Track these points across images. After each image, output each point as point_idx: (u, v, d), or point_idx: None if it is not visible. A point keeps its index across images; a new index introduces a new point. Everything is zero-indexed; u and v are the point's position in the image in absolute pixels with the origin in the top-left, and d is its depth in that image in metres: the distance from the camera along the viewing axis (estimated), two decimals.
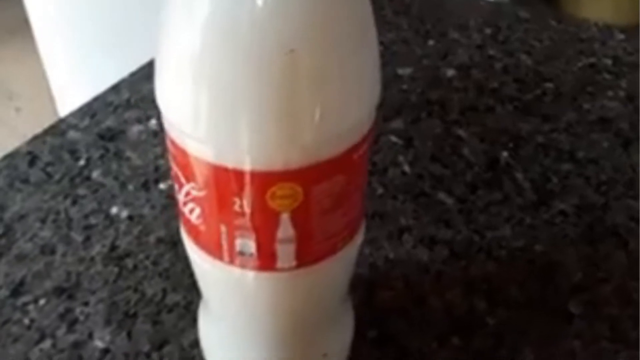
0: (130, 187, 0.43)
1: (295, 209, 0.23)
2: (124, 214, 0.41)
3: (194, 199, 0.24)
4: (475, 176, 0.43)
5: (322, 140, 0.22)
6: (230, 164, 0.22)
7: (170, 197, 0.42)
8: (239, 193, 0.23)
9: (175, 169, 0.25)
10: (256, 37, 0.20)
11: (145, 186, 0.43)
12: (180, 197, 0.25)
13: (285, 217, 0.23)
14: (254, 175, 0.22)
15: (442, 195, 0.42)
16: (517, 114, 0.49)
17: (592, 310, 0.35)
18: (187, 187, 0.24)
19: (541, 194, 0.42)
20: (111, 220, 0.41)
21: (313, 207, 0.23)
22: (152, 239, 0.39)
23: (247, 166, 0.22)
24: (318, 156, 0.22)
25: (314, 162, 0.22)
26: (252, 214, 0.23)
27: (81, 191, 0.43)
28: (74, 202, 0.42)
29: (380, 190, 0.42)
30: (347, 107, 0.22)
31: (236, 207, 0.23)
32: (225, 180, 0.23)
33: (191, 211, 0.25)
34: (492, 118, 0.49)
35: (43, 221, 0.41)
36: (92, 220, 0.41)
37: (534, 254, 0.38)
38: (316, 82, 0.21)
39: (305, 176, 0.22)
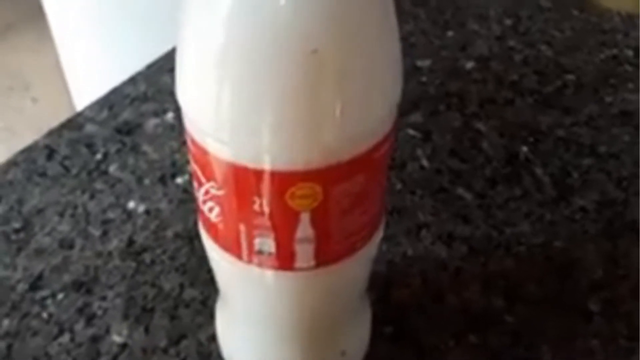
0: (147, 181, 0.43)
1: (315, 208, 0.23)
2: (141, 208, 0.41)
3: (213, 198, 0.24)
4: (494, 171, 0.43)
5: (343, 140, 0.21)
6: (250, 163, 0.22)
7: (187, 192, 0.42)
8: (259, 192, 0.23)
9: (194, 167, 0.25)
10: (278, 37, 0.20)
11: (162, 180, 0.44)
12: (200, 196, 0.25)
13: (304, 217, 0.23)
14: (274, 174, 0.22)
15: (460, 191, 0.42)
16: (537, 106, 0.48)
17: (611, 308, 0.34)
18: (206, 186, 0.24)
19: (561, 190, 0.41)
20: (128, 214, 0.41)
21: (333, 207, 0.23)
22: (169, 233, 0.39)
23: (267, 166, 0.22)
24: (339, 156, 0.22)
25: (334, 162, 0.22)
26: (272, 213, 0.23)
27: (99, 185, 0.43)
28: (92, 197, 0.42)
29: (398, 186, 0.42)
30: (368, 107, 0.22)
31: (255, 207, 0.23)
32: (245, 180, 0.22)
33: (210, 210, 0.25)
34: (512, 111, 0.48)
35: (61, 215, 0.41)
36: (110, 215, 0.41)
37: (553, 251, 0.38)
38: (338, 82, 0.20)
39: (326, 176, 0.22)
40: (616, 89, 0.49)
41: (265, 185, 0.22)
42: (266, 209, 0.23)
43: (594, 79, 0.50)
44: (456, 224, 0.39)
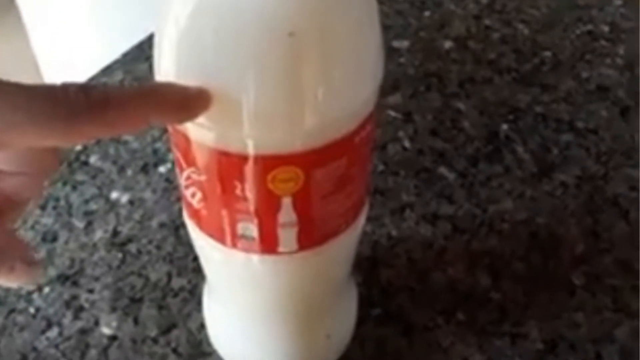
0: (130, 171, 0.43)
1: (297, 192, 0.23)
2: (125, 198, 0.41)
3: (195, 183, 0.24)
4: (476, 150, 0.43)
5: (324, 123, 0.21)
6: (231, 148, 0.22)
7: (169, 181, 0.42)
8: (240, 177, 0.22)
9: (176, 153, 0.24)
10: (256, 20, 0.19)
11: (145, 170, 0.43)
12: (182, 181, 0.25)
13: (286, 201, 0.23)
14: (255, 159, 0.22)
15: (443, 170, 0.42)
16: (515, 84, 0.49)
17: (594, 282, 0.35)
18: (188, 171, 0.24)
19: (542, 166, 0.42)
20: (112, 205, 0.41)
21: (314, 191, 0.23)
22: (154, 223, 0.39)
23: (248, 150, 0.22)
24: (320, 140, 0.22)
25: (315, 146, 0.22)
26: (254, 198, 0.23)
27: (80, 177, 0.43)
28: (74, 188, 0.42)
29: (381, 167, 0.42)
30: (349, 90, 0.21)
31: (237, 191, 0.23)
32: (226, 165, 0.22)
33: (193, 195, 0.25)
34: (491, 90, 0.48)
35: (43, 208, 0.41)
36: (93, 206, 0.41)
37: (536, 227, 0.38)
38: (317, 65, 0.20)
39: (307, 160, 0.22)
40: (592, 65, 0.50)
41: (247, 170, 0.22)
42: (248, 194, 0.23)
43: (570, 55, 0.51)
44: (440, 204, 0.40)
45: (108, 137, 0.18)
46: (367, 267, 0.36)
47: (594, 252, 0.37)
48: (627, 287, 0.35)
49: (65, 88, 0.17)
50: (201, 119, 0.22)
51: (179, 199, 0.41)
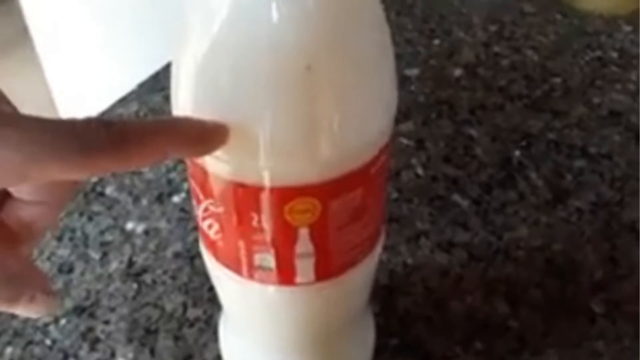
0: (145, 201, 0.44)
1: (314, 223, 0.23)
2: (140, 228, 0.41)
3: (212, 215, 0.24)
4: (489, 176, 0.43)
5: (339, 155, 0.22)
6: (248, 180, 0.22)
7: (184, 210, 0.42)
8: (257, 209, 0.23)
9: (193, 185, 0.25)
10: (273, 54, 0.20)
11: (160, 200, 0.44)
12: (199, 213, 0.25)
13: (303, 232, 0.23)
14: (272, 191, 0.22)
15: (457, 197, 0.42)
16: (527, 111, 0.49)
17: (614, 309, 0.34)
18: (205, 203, 0.24)
19: (556, 192, 0.42)
20: (127, 235, 0.41)
21: (331, 222, 0.23)
22: (169, 253, 0.39)
23: (265, 182, 0.22)
24: (336, 171, 0.22)
25: (332, 177, 0.22)
26: (271, 229, 0.23)
27: (96, 207, 0.43)
28: (90, 219, 0.42)
29: (395, 195, 0.42)
30: (365, 121, 0.22)
31: (254, 223, 0.23)
32: (243, 196, 0.23)
33: (210, 227, 0.25)
34: (502, 116, 0.48)
35: (60, 239, 0.41)
36: (108, 237, 0.41)
37: (552, 253, 0.38)
38: (333, 98, 0.21)
39: (324, 191, 0.22)
40: (603, 90, 0.50)
41: (264, 202, 0.22)
42: (265, 225, 0.23)
43: (580, 81, 0.51)
44: (455, 231, 0.40)
45: (126, 170, 0.18)
46: (383, 296, 0.35)
47: (612, 279, 0.36)
48: None
49: (86, 123, 0.17)
50: (218, 152, 0.22)
51: (194, 228, 0.41)
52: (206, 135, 0.20)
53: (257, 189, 0.22)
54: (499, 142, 0.46)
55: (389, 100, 0.23)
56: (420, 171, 0.44)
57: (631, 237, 0.39)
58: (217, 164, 0.22)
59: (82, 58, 0.81)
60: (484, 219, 0.40)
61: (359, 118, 0.22)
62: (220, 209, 0.24)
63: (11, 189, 0.21)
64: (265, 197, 0.22)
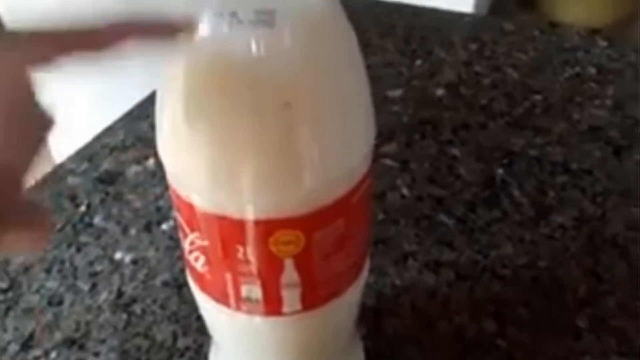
0: (133, 230, 0.44)
1: (298, 254, 0.23)
2: (128, 258, 0.42)
3: (198, 248, 0.25)
4: (474, 195, 0.44)
5: (321, 185, 0.22)
6: (232, 213, 0.22)
7: (172, 238, 0.43)
8: (242, 241, 0.23)
9: (179, 218, 0.25)
10: (253, 91, 0.20)
11: (148, 228, 0.44)
12: (185, 246, 0.26)
13: (288, 263, 0.23)
14: (256, 223, 0.22)
15: (442, 217, 0.43)
16: (508, 128, 0.50)
17: (599, 324, 0.35)
18: (191, 237, 0.25)
19: (539, 209, 0.42)
20: (116, 265, 0.41)
21: (316, 252, 0.23)
22: (157, 282, 0.40)
23: (249, 215, 0.22)
24: (318, 202, 0.22)
25: (314, 208, 0.22)
26: (256, 260, 0.23)
27: (84, 238, 0.43)
28: (78, 250, 0.42)
29: (381, 216, 0.43)
30: (344, 153, 0.22)
31: (240, 255, 0.23)
32: (228, 230, 0.23)
33: (196, 259, 0.25)
34: (485, 135, 0.49)
35: (48, 271, 0.41)
36: (97, 267, 0.41)
37: (537, 270, 0.39)
38: (312, 133, 0.21)
39: (307, 222, 0.22)
40: (582, 106, 0.51)
41: (249, 234, 0.23)
42: (251, 257, 0.23)
43: (560, 97, 0.52)
44: (441, 251, 0.40)
45: (93, 53, 0.18)
46: (372, 318, 0.36)
47: (596, 294, 0.37)
48: (631, 329, 0.35)
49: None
50: (203, 188, 0.22)
51: (181, 257, 0.41)
52: (173, 23, 0.20)
53: (241, 222, 0.22)
54: (482, 161, 0.47)
55: (366, 131, 0.24)
56: (405, 192, 0.45)
57: (613, 251, 0.39)
58: (201, 199, 0.23)
59: (67, 91, 0.81)
60: (469, 237, 0.41)
61: (338, 150, 0.22)
62: (206, 242, 0.24)
63: None
64: (249, 230, 0.23)
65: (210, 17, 0.20)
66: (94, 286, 0.40)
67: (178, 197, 0.24)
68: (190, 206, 0.23)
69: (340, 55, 0.22)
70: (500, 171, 0.46)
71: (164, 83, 0.22)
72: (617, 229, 0.41)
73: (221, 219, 0.23)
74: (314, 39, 0.21)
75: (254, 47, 0.20)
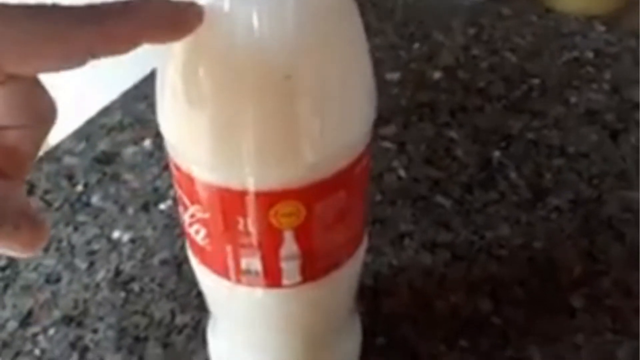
0: (130, 210, 0.44)
1: (298, 226, 0.23)
2: (126, 237, 0.42)
3: (198, 221, 0.25)
4: (470, 177, 0.44)
5: (322, 158, 0.22)
6: (233, 185, 0.23)
7: (170, 217, 0.43)
8: (243, 213, 0.23)
9: (179, 191, 0.25)
10: (254, 65, 0.20)
11: (145, 208, 0.44)
12: (185, 219, 0.26)
13: (288, 235, 0.24)
14: (257, 195, 0.23)
15: (439, 198, 0.43)
16: (506, 112, 0.50)
17: (593, 303, 0.35)
18: (191, 209, 0.25)
19: (535, 191, 0.43)
20: (114, 244, 0.41)
21: (316, 224, 0.23)
22: (155, 261, 0.40)
23: (250, 187, 0.22)
24: (319, 174, 0.22)
25: (315, 180, 0.22)
26: (256, 232, 0.23)
27: (82, 217, 0.43)
28: (76, 229, 0.42)
29: (378, 197, 0.43)
30: (346, 125, 0.22)
31: (240, 227, 0.24)
32: (229, 201, 0.23)
33: (197, 232, 0.25)
34: (482, 118, 0.49)
35: (46, 250, 0.41)
36: (95, 246, 0.41)
37: (533, 251, 0.39)
38: (314, 105, 0.21)
39: (307, 194, 0.23)
40: (579, 90, 0.51)
41: (249, 206, 0.23)
42: (251, 229, 0.23)
43: (558, 81, 0.52)
44: (438, 231, 0.40)
45: (104, 51, 0.16)
46: (369, 297, 0.36)
47: (591, 275, 0.37)
48: (626, 308, 0.35)
49: (59, 6, 0.17)
50: (204, 159, 0.22)
51: (180, 235, 0.41)
52: (180, 15, 0.19)
53: (242, 194, 0.23)
54: (479, 144, 0.47)
55: (368, 103, 0.24)
56: (402, 173, 0.45)
57: (609, 233, 0.40)
58: (202, 171, 0.23)
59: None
60: (466, 218, 0.41)
61: (339, 123, 0.22)
62: (207, 215, 0.24)
63: None
64: (250, 202, 0.23)
65: None
66: (91, 264, 0.40)
67: (178, 169, 0.24)
68: (190, 178, 0.23)
69: (343, 29, 0.22)
70: (497, 154, 0.46)
71: (164, 56, 0.22)
72: (612, 211, 0.41)
73: (222, 191, 0.23)
74: (317, 13, 0.21)
75: (255, 21, 0.20)
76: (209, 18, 0.20)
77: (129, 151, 0.49)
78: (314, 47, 0.21)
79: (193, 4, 0.19)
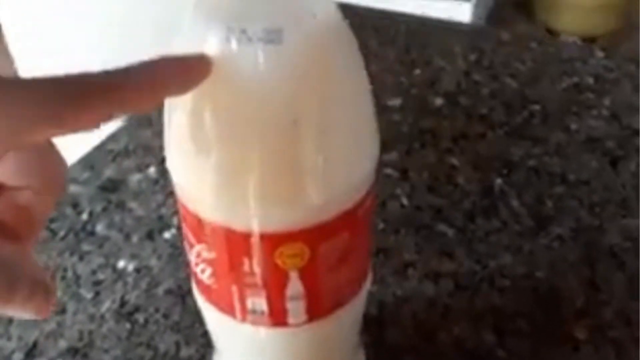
0: (135, 238, 0.44)
1: (304, 266, 0.24)
2: (131, 266, 0.42)
3: (204, 260, 0.25)
4: (473, 205, 0.44)
5: (326, 201, 0.22)
6: (238, 227, 0.23)
7: (175, 246, 0.43)
8: (248, 254, 0.24)
9: (185, 230, 0.25)
10: (261, 109, 0.21)
11: (150, 236, 0.44)
12: (192, 258, 0.26)
13: (294, 275, 0.24)
14: (262, 236, 0.23)
15: (442, 227, 0.43)
16: (507, 138, 0.50)
17: (597, 335, 0.35)
18: (197, 248, 0.25)
19: (537, 219, 0.43)
20: (119, 274, 0.41)
21: (320, 264, 0.24)
22: (160, 291, 0.40)
23: (255, 228, 0.23)
24: (323, 216, 0.23)
25: (319, 222, 0.23)
26: (262, 273, 0.24)
27: (87, 246, 0.44)
28: (81, 258, 0.43)
29: (381, 225, 0.43)
30: (349, 169, 0.23)
31: (246, 267, 0.24)
32: (234, 242, 0.23)
33: (202, 271, 0.26)
34: (484, 144, 0.50)
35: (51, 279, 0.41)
36: (100, 276, 0.41)
37: (536, 281, 0.39)
38: (319, 149, 0.22)
39: (312, 236, 0.23)
40: (580, 116, 0.51)
41: (254, 247, 0.23)
42: (257, 270, 0.24)
43: (558, 107, 0.53)
44: (441, 261, 0.41)
45: (121, 113, 0.17)
46: (373, 328, 0.36)
47: (594, 305, 0.37)
48: (629, 339, 0.35)
49: (67, 75, 0.17)
50: (210, 201, 0.23)
51: (185, 264, 0.41)
52: (192, 69, 0.20)
53: (247, 235, 0.23)
54: (481, 171, 0.47)
55: (371, 146, 0.24)
56: (405, 201, 0.45)
57: (611, 262, 0.40)
58: (208, 212, 0.23)
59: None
60: (468, 247, 0.41)
61: (343, 166, 0.23)
62: (213, 254, 0.24)
63: (1, 176, 0.20)
64: (255, 243, 0.23)
65: (220, 32, 0.20)
66: (97, 295, 0.40)
67: (185, 209, 0.24)
68: (197, 218, 0.24)
69: (345, 71, 0.22)
70: (499, 181, 0.46)
71: (173, 99, 0.23)
72: (614, 240, 0.41)
73: (227, 232, 0.23)
74: (320, 57, 0.21)
75: (261, 64, 0.20)
76: (215, 65, 0.20)
77: (134, 178, 0.49)
78: (318, 92, 0.21)
79: (202, 56, 0.20)
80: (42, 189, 0.21)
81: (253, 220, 0.23)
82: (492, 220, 0.43)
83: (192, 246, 0.25)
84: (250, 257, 0.24)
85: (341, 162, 0.23)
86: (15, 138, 0.16)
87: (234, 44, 0.20)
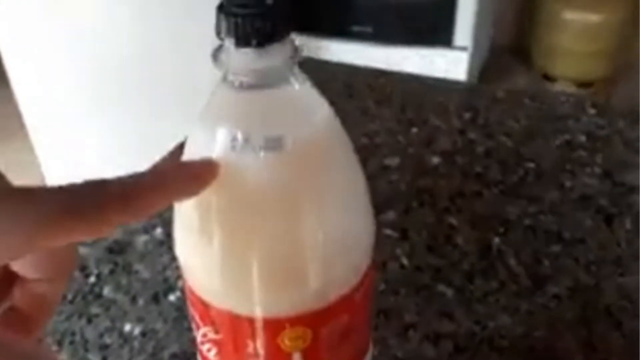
0: (141, 301, 0.45)
1: (306, 348, 0.25)
2: (137, 330, 0.43)
3: (210, 341, 0.26)
4: (471, 265, 0.45)
5: (326, 286, 0.24)
6: (243, 312, 0.24)
7: (180, 310, 0.44)
8: (252, 337, 0.25)
9: (192, 312, 0.27)
10: (262, 203, 0.22)
11: (156, 299, 0.45)
12: (198, 337, 0.27)
13: (296, 356, 0.25)
14: (265, 321, 0.24)
15: (441, 287, 0.44)
16: (503, 197, 0.51)
17: None
18: (204, 330, 0.26)
19: (534, 279, 0.44)
20: (125, 338, 0.42)
21: (322, 345, 0.25)
22: (166, 355, 0.41)
23: (259, 314, 0.24)
24: (324, 300, 0.24)
25: (321, 306, 0.24)
26: (266, 355, 0.25)
27: (94, 309, 0.45)
28: (89, 321, 0.44)
29: (382, 286, 0.44)
30: (348, 255, 0.24)
31: (250, 350, 0.25)
32: (239, 326, 0.25)
33: (208, 350, 0.27)
34: (480, 203, 0.51)
35: (60, 344, 0.42)
36: (107, 340, 0.42)
37: (534, 341, 0.40)
38: (317, 243, 0.23)
39: (314, 319, 0.24)
40: (574, 174, 0.53)
41: (258, 331, 0.24)
42: (260, 352, 0.25)
43: (552, 165, 0.54)
44: (441, 322, 0.41)
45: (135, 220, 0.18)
46: None
47: None
48: None
49: (86, 184, 0.18)
50: (216, 287, 0.24)
51: (189, 329, 0.42)
52: (200, 175, 0.21)
53: (251, 320, 0.24)
54: (479, 230, 0.48)
55: (367, 230, 0.26)
56: (405, 261, 0.46)
57: (608, 322, 0.41)
58: (214, 297, 0.25)
59: (82, 166, 0.83)
60: (468, 308, 0.42)
61: (342, 253, 0.24)
62: (218, 336, 0.26)
63: (19, 269, 0.21)
64: (259, 327, 0.24)
65: (225, 139, 0.22)
66: (104, 359, 0.41)
67: (192, 293, 0.26)
68: (203, 302, 0.25)
69: (342, 168, 0.24)
70: (496, 240, 0.47)
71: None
72: (610, 299, 0.42)
73: (232, 317, 0.24)
74: (318, 158, 0.23)
75: (263, 169, 0.22)
76: (221, 170, 0.22)
77: (140, 240, 0.51)
78: (317, 193, 0.23)
79: (209, 162, 0.21)
80: (56, 277, 0.22)
81: (256, 306, 0.24)
82: (490, 280, 0.44)
83: (198, 327, 0.27)
84: (254, 340, 0.25)
85: (339, 251, 0.24)
86: (31, 245, 0.18)
87: (238, 152, 0.22)
